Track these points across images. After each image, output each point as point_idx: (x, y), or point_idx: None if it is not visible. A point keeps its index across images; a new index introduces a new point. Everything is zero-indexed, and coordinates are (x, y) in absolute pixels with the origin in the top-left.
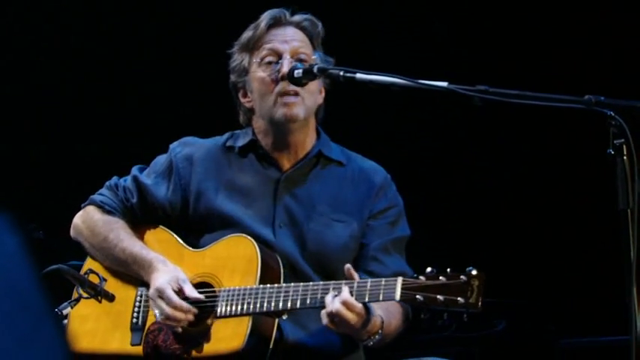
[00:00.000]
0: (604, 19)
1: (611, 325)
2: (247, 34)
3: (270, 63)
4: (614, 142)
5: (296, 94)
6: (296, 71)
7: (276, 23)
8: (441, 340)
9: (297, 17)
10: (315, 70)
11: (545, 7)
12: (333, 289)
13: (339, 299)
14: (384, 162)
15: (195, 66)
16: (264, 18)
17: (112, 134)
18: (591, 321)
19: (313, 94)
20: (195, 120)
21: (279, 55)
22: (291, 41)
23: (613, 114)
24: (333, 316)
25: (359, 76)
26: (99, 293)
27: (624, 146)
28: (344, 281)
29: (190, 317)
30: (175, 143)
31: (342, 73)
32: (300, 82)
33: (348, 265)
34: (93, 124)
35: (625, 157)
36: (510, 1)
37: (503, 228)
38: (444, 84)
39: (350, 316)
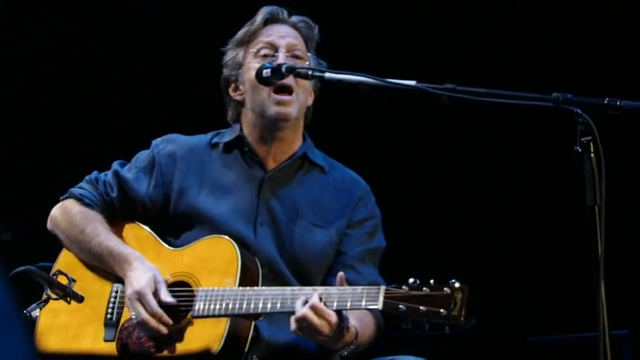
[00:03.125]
0: (573, 18)
1: (579, 321)
2: (243, 30)
3: (265, 56)
4: (582, 139)
5: (290, 91)
6: (264, 71)
7: (273, 19)
8: (412, 339)
9: (294, 18)
10: (283, 69)
11: (514, 6)
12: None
13: (308, 304)
14: (358, 167)
15: (177, 66)
16: (261, 13)
17: (82, 136)
18: (560, 318)
19: (306, 91)
20: (175, 121)
21: (275, 49)
22: (287, 37)
23: (580, 111)
24: (301, 321)
25: (327, 75)
26: (68, 294)
27: (591, 143)
28: (316, 287)
29: (163, 329)
30: (158, 140)
31: (310, 72)
32: (269, 82)
33: (341, 274)
34: (64, 125)
35: (592, 154)
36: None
37: (473, 226)
38: (412, 82)
39: (318, 322)
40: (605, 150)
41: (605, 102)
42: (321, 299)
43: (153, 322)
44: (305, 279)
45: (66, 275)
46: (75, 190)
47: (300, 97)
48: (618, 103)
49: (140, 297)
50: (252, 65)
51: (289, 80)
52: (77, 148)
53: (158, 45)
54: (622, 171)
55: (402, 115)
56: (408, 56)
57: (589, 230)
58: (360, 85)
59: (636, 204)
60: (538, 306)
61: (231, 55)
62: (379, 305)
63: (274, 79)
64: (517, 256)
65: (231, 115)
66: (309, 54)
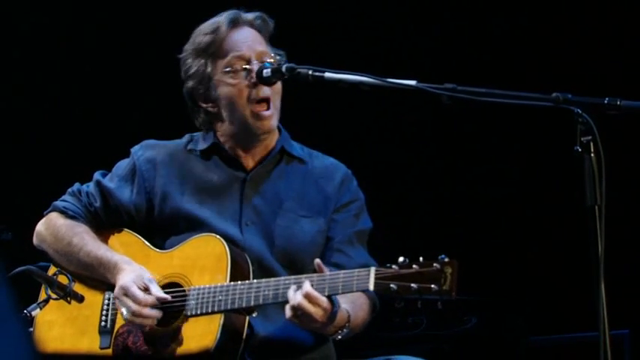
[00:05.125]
0: (574, 17)
1: (580, 321)
2: (205, 39)
3: (237, 71)
4: (582, 139)
5: (267, 102)
6: (265, 71)
7: (234, 25)
8: (412, 338)
9: (249, 16)
10: (283, 69)
11: (514, 5)
12: (303, 282)
13: (300, 292)
14: (348, 161)
15: (152, 69)
16: (223, 22)
17: (81, 136)
18: (561, 317)
19: (279, 93)
20: (155, 123)
21: (246, 61)
22: (253, 45)
23: (580, 111)
24: (296, 309)
25: (328, 75)
26: (68, 294)
27: (592, 143)
28: (305, 275)
29: (157, 313)
30: (137, 147)
31: (310, 72)
32: (269, 82)
33: (317, 260)
34: (62, 125)
35: (592, 154)
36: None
37: (473, 225)
38: (413, 82)
39: (313, 310)
40: (606, 150)
41: (606, 102)
42: (312, 286)
43: (144, 311)
44: (297, 271)
45: (66, 275)
46: (58, 203)
47: (277, 104)
48: (618, 102)
49: (125, 291)
50: (228, 82)
51: (267, 92)
52: (76, 149)
53: (134, 54)
54: (622, 171)
55: (404, 113)
56: (408, 55)
57: (589, 230)
58: (361, 85)
59: (636, 204)
60: (538, 306)
61: (194, 65)
62: (371, 286)
63: (274, 78)
64: (517, 255)
65: (202, 122)
66: (270, 50)
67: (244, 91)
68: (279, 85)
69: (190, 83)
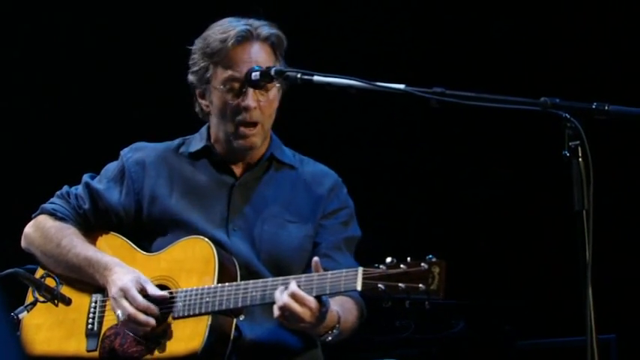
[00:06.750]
0: (561, 22)
1: (567, 325)
2: (214, 45)
3: (233, 89)
4: (570, 143)
5: (255, 124)
6: (253, 74)
7: (244, 39)
8: (400, 342)
9: (264, 33)
10: (272, 72)
11: (503, 9)
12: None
13: (287, 292)
14: (337, 164)
15: (147, 72)
16: (233, 36)
17: (69, 139)
18: (548, 322)
19: (273, 105)
20: (147, 126)
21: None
22: (255, 62)
23: (568, 116)
24: (283, 309)
25: (316, 78)
26: (55, 297)
27: (579, 148)
28: (294, 276)
29: (152, 321)
30: (126, 149)
31: (299, 76)
32: (258, 85)
33: (316, 259)
34: (50, 129)
35: (580, 159)
36: (467, 3)
37: (461, 229)
38: (401, 86)
39: (300, 310)
40: (593, 154)
41: (594, 107)
42: (299, 286)
43: (141, 316)
44: (284, 276)
45: (54, 278)
46: (47, 205)
47: (266, 124)
48: (606, 107)
49: (125, 293)
50: (221, 95)
51: (256, 116)
52: (65, 152)
53: (132, 54)
54: (610, 175)
55: (393, 117)
56: (397, 59)
57: (577, 234)
58: (349, 88)
59: (624, 208)
60: (526, 310)
61: (198, 64)
62: (358, 286)
63: (263, 81)
64: (505, 260)
65: (199, 110)
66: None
67: (234, 109)
68: (273, 92)
69: (192, 77)
